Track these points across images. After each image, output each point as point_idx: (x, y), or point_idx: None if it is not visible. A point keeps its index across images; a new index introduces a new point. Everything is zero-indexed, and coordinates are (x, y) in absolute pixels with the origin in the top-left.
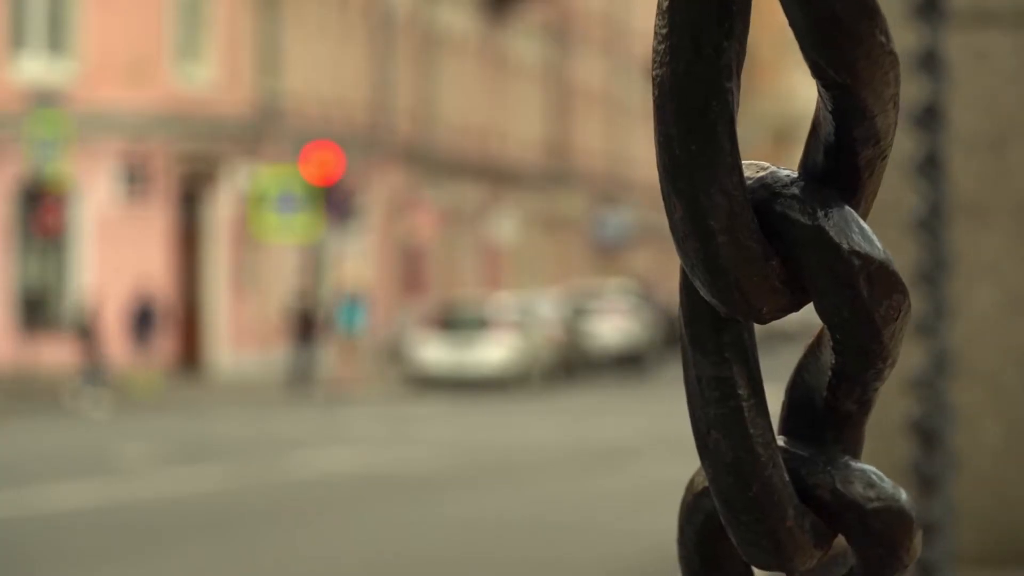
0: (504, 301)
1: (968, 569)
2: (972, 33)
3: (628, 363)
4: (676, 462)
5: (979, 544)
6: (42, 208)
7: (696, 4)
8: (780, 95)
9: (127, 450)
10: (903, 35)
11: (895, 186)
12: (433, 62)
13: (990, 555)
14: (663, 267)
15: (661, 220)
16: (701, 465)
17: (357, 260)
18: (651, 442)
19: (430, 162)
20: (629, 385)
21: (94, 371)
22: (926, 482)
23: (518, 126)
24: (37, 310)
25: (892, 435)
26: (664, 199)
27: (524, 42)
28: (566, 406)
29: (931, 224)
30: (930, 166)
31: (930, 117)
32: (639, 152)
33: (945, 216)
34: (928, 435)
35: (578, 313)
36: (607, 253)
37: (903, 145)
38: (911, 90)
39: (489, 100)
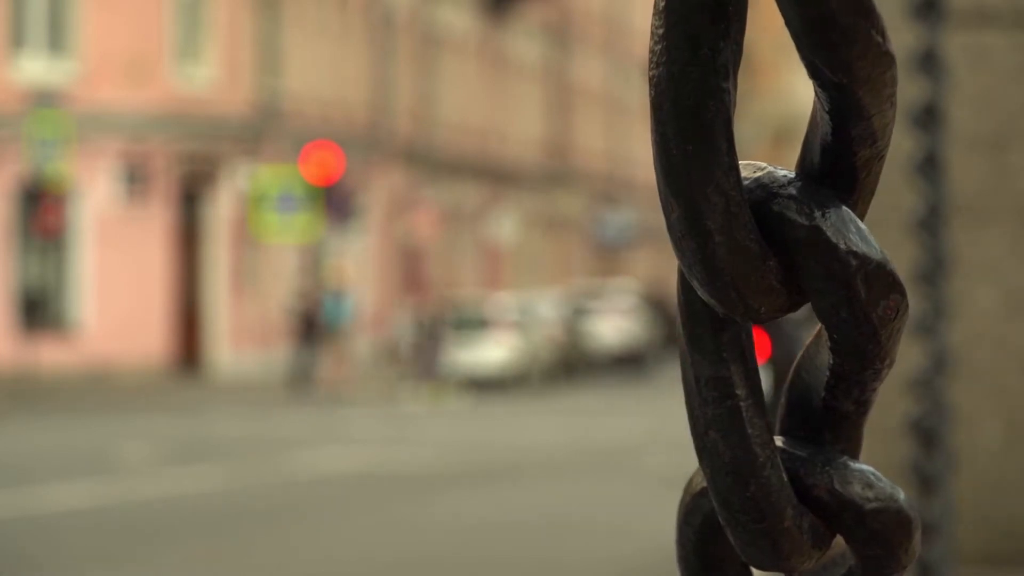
0: (504, 301)
1: (968, 568)
2: (972, 33)
3: (628, 363)
4: (676, 462)
5: (979, 544)
6: (42, 208)
7: (692, 5)
8: (780, 95)
9: (127, 450)
10: (902, 35)
11: (895, 186)
12: (433, 62)
13: (990, 555)
14: (663, 267)
15: (661, 220)
16: (699, 465)
17: (341, 257)
18: (651, 442)
19: (430, 162)
20: (629, 385)
21: (428, 365)
22: (926, 482)
23: (518, 126)
24: (37, 310)
25: (892, 435)
26: (661, 199)
27: (524, 42)
28: (566, 406)
29: (931, 224)
30: (930, 166)
31: (929, 117)
32: (639, 152)
33: (944, 216)
34: (928, 435)
35: (578, 313)
36: (607, 253)
37: (903, 145)
38: (910, 90)
39: (489, 100)
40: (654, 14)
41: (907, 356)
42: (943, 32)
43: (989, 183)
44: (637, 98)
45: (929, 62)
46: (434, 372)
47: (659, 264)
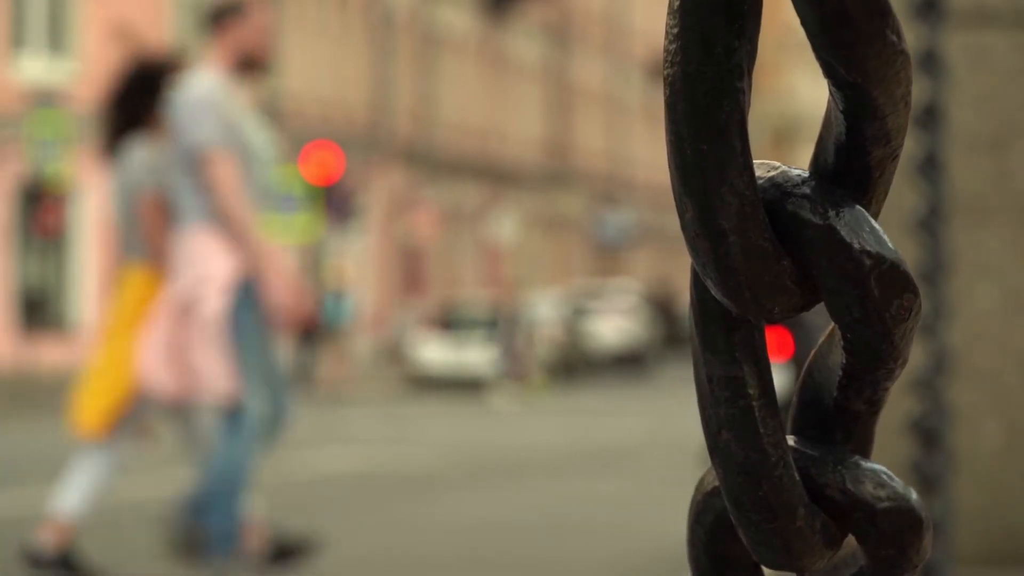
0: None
1: (968, 569)
2: (972, 33)
3: (628, 363)
4: (676, 462)
5: (979, 544)
6: (42, 208)
7: (707, 4)
8: (780, 95)
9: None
10: None
11: (895, 186)
12: (433, 62)
13: (990, 555)
14: (663, 267)
15: (661, 220)
16: (711, 465)
17: (341, 257)
18: (651, 442)
19: (430, 162)
20: (629, 385)
21: (512, 365)
22: (926, 482)
23: (518, 126)
24: (37, 310)
25: (892, 435)
26: (675, 199)
27: (524, 42)
28: (566, 406)
29: (931, 224)
30: (930, 166)
31: (929, 117)
32: (639, 152)
33: (945, 216)
34: (928, 435)
35: (578, 313)
36: (607, 253)
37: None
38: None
39: (489, 100)
40: (669, 13)
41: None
42: (943, 32)
43: (989, 183)
44: (637, 98)
45: (929, 62)
46: (520, 369)
47: (659, 264)
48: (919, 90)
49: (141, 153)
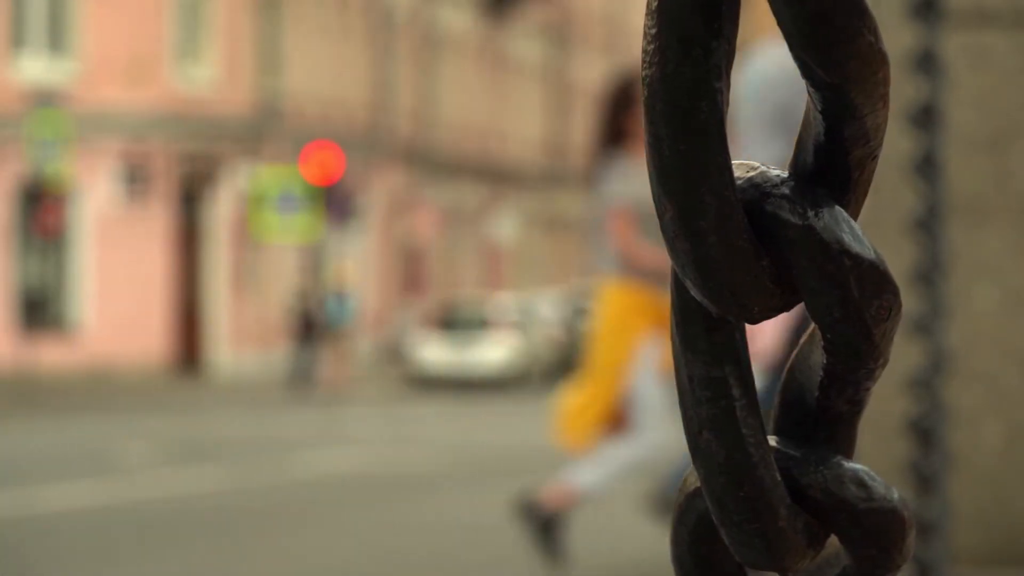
0: (504, 301)
1: (966, 569)
2: (971, 33)
3: None
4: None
5: (978, 544)
6: (42, 208)
7: (685, 5)
8: None
9: (127, 450)
10: (901, 35)
11: (893, 186)
12: (433, 62)
13: (989, 555)
14: None
15: None
16: (693, 465)
17: (341, 257)
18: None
19: (430, 162)
20: None
21: None
22: (923, 481)
23: (518, 126)
24: (37, 310)
25: (890, 435)
26: (654, 200)
27: (524, 42)
28: None
29: (929, 224)
30: (928, 166)
31: (928, 117)
32: None
33: (943, 216)
34: (925, 434)
35: (578, 313)
36: None
37: (901, 145)
38: (909, 90)
39: (489, 100)
40: (647, 14)
41: (905, 356)
42: (942, 32)
43: (989, 183)
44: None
45: (927, 62)
46: None
47: None
48: (917, 90)
49: (617, 169)
